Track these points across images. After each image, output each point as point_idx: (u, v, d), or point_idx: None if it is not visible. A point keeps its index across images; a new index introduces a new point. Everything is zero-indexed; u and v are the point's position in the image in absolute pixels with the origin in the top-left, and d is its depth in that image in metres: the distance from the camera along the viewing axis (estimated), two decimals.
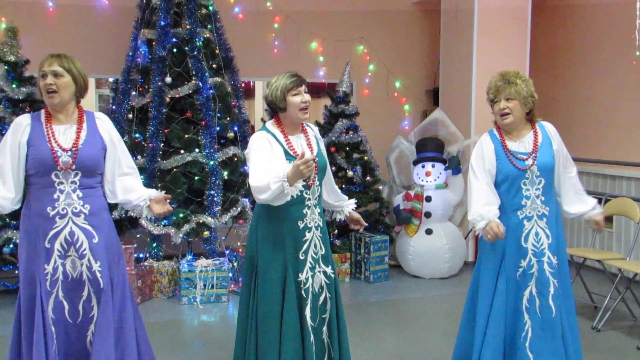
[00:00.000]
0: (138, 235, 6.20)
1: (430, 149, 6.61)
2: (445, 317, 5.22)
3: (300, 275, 3.32)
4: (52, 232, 3.03)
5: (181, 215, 5.72)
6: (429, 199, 6.46)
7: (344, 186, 6.54)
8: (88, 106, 7.29)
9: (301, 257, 3.33)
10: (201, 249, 6.04)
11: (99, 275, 3.07)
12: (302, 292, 3.32)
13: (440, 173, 6.56)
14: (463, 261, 6.64)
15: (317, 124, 6.76)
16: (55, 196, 3.02)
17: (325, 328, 3.40)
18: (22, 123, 3.06)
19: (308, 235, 3.35)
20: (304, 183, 3.25)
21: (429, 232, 6.43)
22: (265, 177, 3.10)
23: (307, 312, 3.31)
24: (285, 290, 3.30)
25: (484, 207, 3.49)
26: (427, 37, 7.97)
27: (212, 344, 4.69)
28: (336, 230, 6.56)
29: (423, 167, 6.59)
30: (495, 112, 3.55)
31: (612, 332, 4.90)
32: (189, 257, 5.90)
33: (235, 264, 6.09)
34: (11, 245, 5.36)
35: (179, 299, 5.67)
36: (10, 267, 5.51)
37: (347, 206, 3.66)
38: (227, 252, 6.15)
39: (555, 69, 7.50)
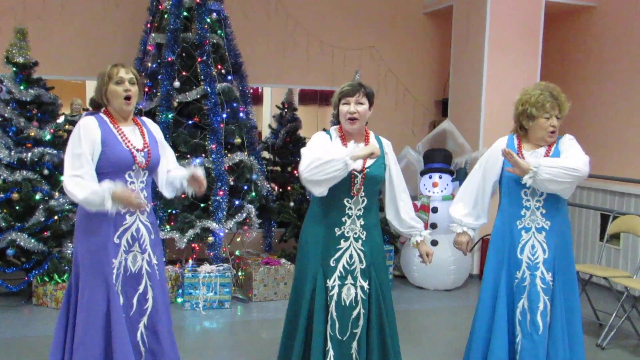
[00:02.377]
0: None
1: (438, 160, 6.58)
2: (448, 330, 5.18)
3: (328, 281, 3.35)
4: (121, 228, 3.21)
5: (186, 220, 5.70)
6: (435, 210, 6.42)
7: None
8: None
9: (332, 264, 3.36)
10: (205, 255, 6.02)
11: (156, 268, 3.33)
12: (327, 298, 3.34)
13: (447, 184, 6.52)
14: (468, 274, 6.59)
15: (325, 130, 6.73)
16: None
17: (355, 343, 3.37)
18: (91, 123, 3.19)
19: (343, 244, 3.35)
20: (349, 192, 3.30)
21: (434, 243, 6.38)
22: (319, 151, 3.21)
23: (328, 319, 3.34)
24: (315, 292, 3.35)
25: (468, 216, 3.68)
26: (438, 47, 7.95)
27: (213, 350, 4.67)
28: None
29: (430, 177, 6.55)
30: (545, 127, 3.50)
31: (616, 350, 4.85)
32: (192, 262, 5.88)
33: (238, 271, 6.07)
34: (15, 248, 5.35)
35: (182, 304, 5.65)
36: (14, 269, 5.49)
37: (414, 235, 3.60)
38: (231, 258, 6.12)
39: (566, 82, 7.42)
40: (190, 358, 4.46)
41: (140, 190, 3.26)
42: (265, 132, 7.94)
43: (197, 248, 6.22)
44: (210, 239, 5.76)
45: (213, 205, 5.78)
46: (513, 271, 3.56)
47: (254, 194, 6.06)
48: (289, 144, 7.66)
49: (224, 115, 5.93)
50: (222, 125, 5.87)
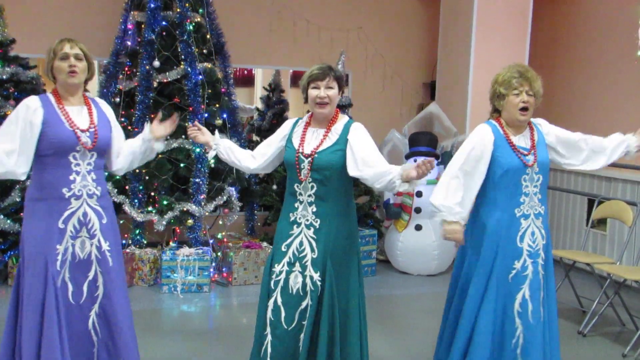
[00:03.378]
0: (121, 222, 6.09)
1: (423, 143, 6.48)
2: (429, 316, 5.11)
3: (276, 265, 3.29)
4: (66, 213, 3.07)
5: (165, 202, 5.62)
6: (419, 194, 6.34)
7: None
8: (91, 91, 7.21)
9: (283, 249, 3.30)
10: (185, 238, 5.95)
11: (108, 254, 3.17)
12: (272, 283, 3.28)
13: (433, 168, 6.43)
14: (452, 259, 6.52)
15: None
16: (71, 177, 3.07)
17: (302, 335, 3.22)
18: (32, 104, 3.07)
19: (295, 230, 3.29)
20: (297, 177, 3.26)
21: (418, 228, 6.32)
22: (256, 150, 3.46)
23: (270, 304, 3.27)
24: (264, 276, 3.37)
25: (456, 204, 3.36)
26: (426, 29, 7.83)
27: (190, 334, 4.61)
28: None
29: (415, 161, 6.41)
30: (514, 104, 3.35)
31: (598, 337, 4.79)
32: (173, 245, 5.81)
33: (219, 254, 5.99)
34: None
35: (160, 287, 5.58)
36: None
37: (394, 181, 3.10)
38: (211, 241, 6.05)
39: (554, 66, 7.35)
40: (168, 341, 4.41)
41: (88, 173, 3.11)
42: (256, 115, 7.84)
43: (178, 231, 6.14)
44: (190, 221, 5.68)
45: (192, 188, 5.69)
46: (510, 262, 3.41)
47: (235, 176, 5.98)
48: (275, 126, 7.54)
49: (205, 96, 5.83)
50: (203, 107, 5.77)
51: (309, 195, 3.25)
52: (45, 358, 3.00)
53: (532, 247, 3.41)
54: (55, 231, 3.06)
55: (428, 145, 6.48)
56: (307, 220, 3.26)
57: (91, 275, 3.14)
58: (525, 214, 3.42)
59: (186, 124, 5.70)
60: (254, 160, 3.45)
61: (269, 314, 3.27)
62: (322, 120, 3.30)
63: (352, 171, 3.17)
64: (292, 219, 3.29)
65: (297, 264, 3.26)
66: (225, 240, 6.22)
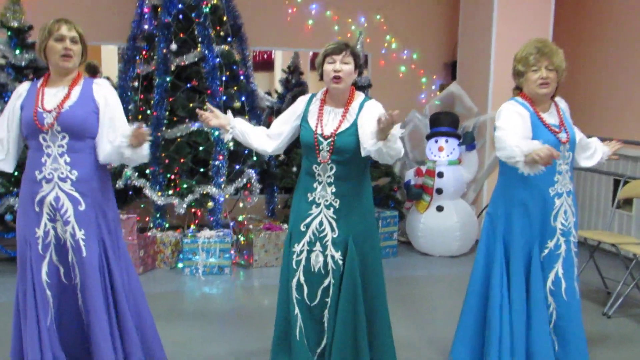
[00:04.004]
0: (142, 205, 6.14)
1: (445, 123, 6.41)
2: (452, 297, 5.07)
3: (296, 245, 3.31)
4: (38, 197, 3.01)
5: (185, 185, 5.63)
6: (441, 175, 6.27)
7: None
8: (111, 76, 7.23)
9: (302, 229, 3.31)
10: (205, 220, 5.96)
11: (82, 243, 3.02)
12: (294, 263, 3.31)
13: (454, 149, 6.37)
14: (474, 240, 6.45)
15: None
16: (42, 160, 3.00)
17: (326, 312, 3.33)
18: (21, 88, 3.10)
19: (314, 210, 3.29)
20: (316, 159, 3.24)
21: (439, 209, 6.26)
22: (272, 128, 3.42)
23: (293, 283, 3.31)
24: (283, 255, 3.41)
25: (521, 141, 3.10)
26: (447, 8, 7.69)
27: (212, 315, 4.63)
28: None
29: (436, 142, 6.40)
30: (533, 80, 3.30)
31: (623, 319, 4.71)
32: (194, 228, 5.83)
33: (239, 236, 6.00)
34: (13, 213, 5.33)
35: (182, 269, 5.61)
36: (13, 234, 5.48)
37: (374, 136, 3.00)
38: (231, 224, 6.05)
39: (580, 43, 7.19)
40: (190, 323, 4.43)
41: (60, 156, 2.99)
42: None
43: (199, 214, 6.16)
44: (210, 204, 5.70)
45: (212, 170, 5.69)
46: (544, 242, 3.41)
47: (254, 158, 5.96)
48: None
49: (223, 79, 5.80)
50: (220, 89, 5.75)
51: (328, 177, 3.25)
52: (26, 345, 3.03)
53: (565, 226, 3.41)
54: (32, 215, 3.02)
55: (449, 126, 6.41)
56: (327, 200, 3.27)
57: (70, 260, 3.07)
58: (558, 192, 3.39)
59: (204, 107, 5.69)
60: (270, 141, 3.40)
61: (294, 293, 3.31)
62: (339, 98, 3.26)
63: (362, 151, 3.14)
64: (311, 199, 3.29)
65: (318, 244, 3.29)
66: (245, 222, 6.22)
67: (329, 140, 3.20)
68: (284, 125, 3.38)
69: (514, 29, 6.46)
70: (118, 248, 3.21)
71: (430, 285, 5.55)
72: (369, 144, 3.02)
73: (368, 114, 3.15)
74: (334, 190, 3.25)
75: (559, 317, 3.42)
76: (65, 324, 3.13)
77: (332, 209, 3.27)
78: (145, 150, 3.08)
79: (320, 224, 3.28)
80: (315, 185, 3.28)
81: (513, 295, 3.41)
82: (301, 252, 3.31)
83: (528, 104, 3.38)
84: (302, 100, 3.39)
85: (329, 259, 3.28)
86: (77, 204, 3.02)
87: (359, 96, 3.30)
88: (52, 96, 3.03)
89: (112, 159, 3.11)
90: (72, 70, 3.08)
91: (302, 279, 3.31)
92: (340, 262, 3.27)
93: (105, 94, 3.11)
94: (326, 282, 3.30)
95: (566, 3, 7.17)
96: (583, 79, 7.07)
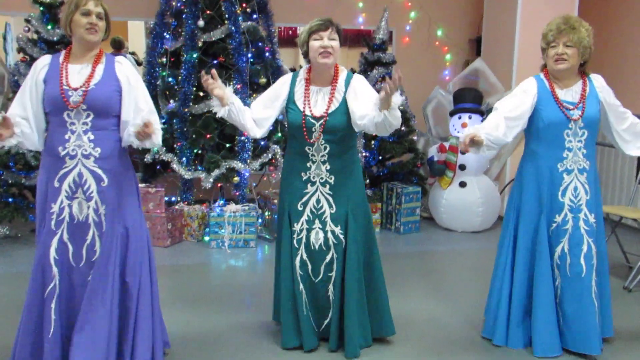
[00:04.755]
0: (170, 179, 6.27)
1: (468, 100, 6.43)
2: (474, 271, 5.15)
3: (295, 224, 3.39)
4: (61, 172, 3.02)
5: (211, 160, 5.74)
6: (463, 151, 6.30)
7: (377, 135, 6.45)
8: (138, 52, 7.30)
9: (299, 208, 3.38)
10: (231, 195, 6.08)
11: (104, 219, 3.06)
12: (295, 242, 3.39)
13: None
14: (497, 216, 6.51)
15: (352, 71, 6.63)
16: (66, 136, 3.00)
17: (330, 287, 3.43)
18: (41, 62, 3.07)
19: (310, 189, 3.36)
20: (307, 141, 3.27)
21: (462, 185, 6.31)
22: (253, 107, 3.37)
23: (297, 261, 3.39)
24: (282, 236, 3.46)
25: (480, 126, 3.42)
26: None
27: (238, 287, 4.74)
28: (367, 180, 6.49)
29: (459, 118, 6.43)
30: (550, 56, 3.38)
31: None
32: (221, 202, 5.94)
33: (265, 211, 6.11)
34: None
35: (208, 242, 5.74)
36: None
37: (377, 107, 3.11)
38: (257, 198, 6.16)
39: (605, 17, 7.14)
40: (216, 294, 4.55)
41: (84, 133, 3.00)
42: None
43: (225, 188, 6.27)
44: (236, 179, 5.80)
45: (238, 146, 5.79)
46: (552, 216, 3.49)
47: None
48: None
49: (249, 55, 5.87)
50: (247, 65, 5.83)
51: (322, 155, 3.32)
52: (23, 321, 3.07)
53: (574, 202, 3.45)
54: (50, 189, 3.03)
55: (473, 102, 6.43)
56: (322, 178, 3.35)
57: (89, 238, 3.06)
58: (568, 169, 3.44)
59: (231, 83, 5.79)
60: (258, 129, 3.35)
61: (298, 270, 3.39)
62: (324, 76, 3.30)
63: (355, 127, 3.28)
64: (305, 177, 3.35)
65: (317, 221, 3.38)
66: (270, 197, 6.32)
67: (320, 122, 3.25)
68: (269, 110, 3.35)
69: (539, 4, 6.44)
70: (140, 225, 3.21)
71: (453, 259, 5.62)
72: (370, 117, 3.09)
73: (356, 90, 3.25)
74: (328, 167, 3.33)
75: (562, 291, 3.49)
76: (70, 305, 3.11)
77: (327, 186, 3.35)
78: (156, 140, 3.05)
79: (318, 201, 3.36)
80: (309, 164, 3.34)
81: (517, 263, 3.57)
82: (301, 230, 3.39)
83: (546, 80, 3.46)
84: (284, 82, 3.37)
85: (329, 235, 3.37)
86: (99, 180, 3.04)
87: (343, 72, 3.36)
88: (77, 73, 3.04)
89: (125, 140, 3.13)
90: (96, 46, 3.09)
91: (304, 256, 3.40)
92: (342, 237, 3.37)
93: (127, 74, 3.12)
94: (328, 257, 3.40)
95: None
96: (609, 54, 7.03)
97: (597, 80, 3.50)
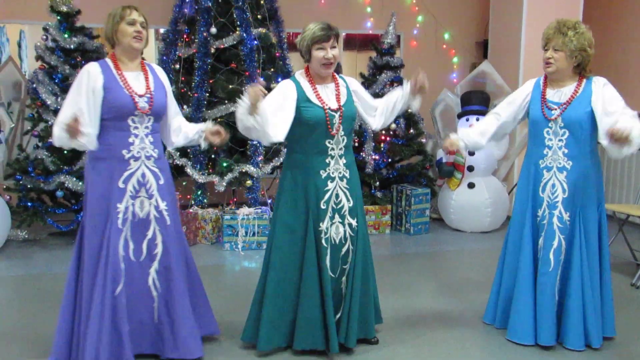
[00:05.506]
0: (184, 183, 6.39)
1: (475, 102, 6.53)
2: (483, 270, 5.23)
3: (321, 224, 3.41)
4: (126, 174, 3.25)
5: (224, 164, 5.86)
6: (472, 152, 6.40)
7: (387, 139, 6.56)
8: (148, 58, 7.42)
9: (322, 207, 3.41)
10: (244, 198, 6.19)
11: (165, 213, 3.33)
12: (323, 241, 3.41)
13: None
14: (505, 216, 6.60)
15: (362, 75, 6.75)
16: (130, 140, 3.24)
17: (344, 279, 3.49)
18: (93, 70, 3.23)
19: (330, 185, 3.42)
20: (328, 133, 3.35)
21: (471, 185, 6.40)
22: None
23: (327, 262, 3.41)
24: (306, 239, 3.40)
25: (469, 130, 3.83)
26: None
27: (252, 288, 4.80)
28: (377, 182, 6.60)
29: (467, 120, 6.52)
30: (543, 59, 3.58)
31: None
32: (232, 205, 6.06)
33: None
34: (63, 190, 5.61)
35: (222, 245, 5.86)
36: (64, 210, 5.78)
37: (403, 94, 3.56)
38: (269, 201, 6.28)
39: (610, 20, 7.23)
40: (231, 295, 4.65)
41: (145, 136, 3.26)
42: None
43: (238, 191, 6.39)
44: (249, 182, 5.92)
45: (250, 150, 5.91)
46: (536, 210, 3.67)
47: None
48: None
49: (260, 61, 6.00)
50: (258, 71, 5.95)
51: (340, 149, 3.43)
52: (92, 315, 3.17)
53: (550, 199, 3.62)
54: (115, 190, 3.23)
55: (480, 104, 6.53)
56: (340, 172, 3.45)
57: (150, 233, 3.31)
58: (547, 166, 3.62)
59: (243, 89, 5.90)
60: (279, 133, 3.31)
61: (329, 272, 3.42)
62: (325, 77, 3.46)
63: (366, 115, 3.59)
64: (325, 175, 3.41)
65: (337, 216, 3.45)
66: None
67: (338, 113, 3.39)
68: (282, 113, 3.32)
69: (544, 7, 6.54)
70: (178, 218, 3.50)
71: (462, 259, 5.72)
72: (391, 95, 3.58)
73: (356, 87, 3.56)
74: (344, 161, 3.45)
75: (538, 282, 3.63)
76: (131, 301, 3.30)
77: (345, 180, 3.46)
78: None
79: (337, 196, 3.44)
80: (327, 160, 3.41)
81: (507, 252, 3.82)
82: (327, 229, 3.43)
83: (542, 81, 3.68)
84: (289, 86, 3.39)
85: (347, 227, 3.47)
86: (158, 178, 3.32)
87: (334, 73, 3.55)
88: (134, 80, 3.26)
89: (181, 143, 3.54)
90: (139, 53, 3.33)
91: (329, 254, 3.43)
92: (357, 228, 3.49)
93: (165, 78, 3.45)
94: (344, 249, 3.47)
95: None
96: (613, 55, 7.12)
97: (597, 83, 3.55)
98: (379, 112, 3.60)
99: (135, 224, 3.28)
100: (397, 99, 3.57)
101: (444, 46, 7.73)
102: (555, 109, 3.54)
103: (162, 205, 3.32)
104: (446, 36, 7.68)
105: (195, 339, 3.40)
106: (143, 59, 3.42)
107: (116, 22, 3.23)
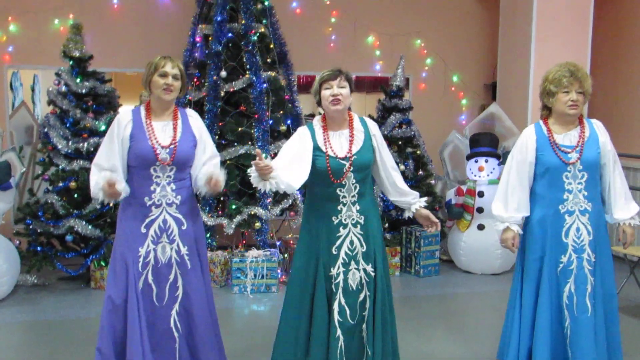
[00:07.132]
0: None
1: (484, 143, 6.54)
2: (494, 313, 5.17)
3: (332, 269, 3.40)
4: (147, 220, 3.34)
5: (233, 206, 5.87)
6: (481, 194, 6.39)
7: None
8: None
9: (334, 252, 3.40)
10: (253, 240, 6.18)
11: (186, 258, 3.41)
12: (332, 286, 3.39)
13: (494, 168, 6.48)
14: (515, 258, 6.53)
15: (371, 117, 6.79)
16: (152, 188, 3.33)
17: (364, 326, 3.44)
18: (124, 118, 3.35)
19: (342, 232, 3.41)
20: (333, 182, 3.34)
21: (481, 227, 6.37)
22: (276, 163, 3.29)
23: (335, 306, 3.38)
24: (316, 283, 3.40)
25: (508, 211, 3.65)
26: (486, 30, 7.85)
27: (261, 331, 4.81)
28: (387, 224, 6.58)
29: (476, 162, 6.52)
30: (564, 101, 3.51)
31: None
32: (241, 247, 6.05)
33: (286, 256, 6.20)
34: (73, 234, 5.63)
35: (231, 288, 5.83)
36: (73, 254, 5.78)
37: (414, 203, 3.56)
38: (278, 243, 6.27)
39: (617, 64, 7.26)
40: (240, 338, 4.62)
41: (167, 184, 3.33)
42: None
43: (247, 233, 6.38)
44: (258, 224, 5.92)
45: (259, 192, 5.92)
46: (558, 256, 3.58)
47: None
48: None
49: (270, 103, 6.05)
50: (267, 114, 6.00)
51: (352, 196, 3.41)
52: (129, 353, 3.28)
53: (577, 243, 3.55)
54: (138, 234, 3.33)
55: (489, 146, 6.54)
56: (353, 219, 3.42)
57: (172, 277, 3.40)
58: (569, 210, 3.56)
59: (252, 131, 5.96)
60: (295, 184, 3.30)
61: (336, 316, 3.38)
62: (339, 121, 3.42)
63: (382, 172, 3.51)
64: (337, 221, 3.40)
65: (352, 262, 3.42)
66: (291, 242, 6.42)
67: (348, 162, 3.36)
68: (302, 163, 3.32)
69: (552, 49, 6.59)
70: (204, 259, 3.56)
71: (473, 301, 5.66)
72: (405, 198, 3.55)
73: (377, 137, 3.48)
74: (358, 208, 3.42)
75: (572, 332, 3.54)
76: (155, 343, 3.39)
77: (358, 226, 3.43)
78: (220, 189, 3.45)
79: (351, 242, 3.42)
80: (339, 207, 3.40)
81: (523, 302, 3.68)
82: (338, 274, 3.40)
83: (544, 126, 3.62)
84: (304, 133, 3.42)
85: (362, 273, 3.43)
86: (180, 224, 3.39)
87: (355, 116, 3.51)
88: (161, 131, 3.34)
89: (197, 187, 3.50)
90: (172, 104, 3.41)
91: (342, 301, 3.40)
92: (373, 274, 3.43)
93: (199, 126, 3.49)
94: (362, 296, 3.42)
95: (604, 24, 7.26)
96: (621, 97, 7.13)
97: (597, 123, 3.64)
98: (391, 184, 3.52)
99: (158, 269, 3.37)
100: (404, 199, 3.56)
101: (453, 88, 7.78)
102: (571, 152, 3.52)
103: (184, 250, 3.40)
104: (455, 78, 7.74)
105: None
106: (178, 106, 3.47)
107: (150, 72, 3.32)
